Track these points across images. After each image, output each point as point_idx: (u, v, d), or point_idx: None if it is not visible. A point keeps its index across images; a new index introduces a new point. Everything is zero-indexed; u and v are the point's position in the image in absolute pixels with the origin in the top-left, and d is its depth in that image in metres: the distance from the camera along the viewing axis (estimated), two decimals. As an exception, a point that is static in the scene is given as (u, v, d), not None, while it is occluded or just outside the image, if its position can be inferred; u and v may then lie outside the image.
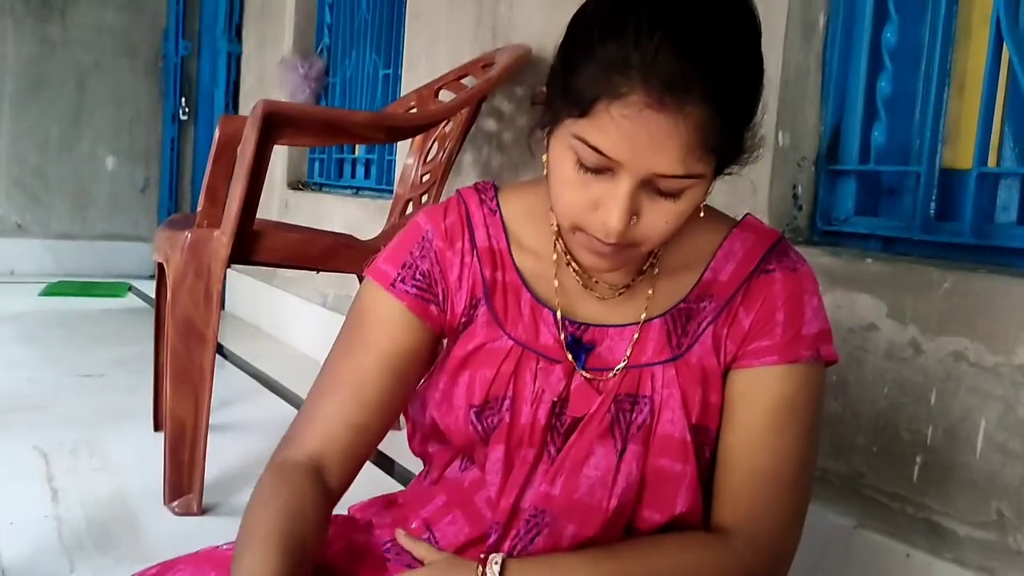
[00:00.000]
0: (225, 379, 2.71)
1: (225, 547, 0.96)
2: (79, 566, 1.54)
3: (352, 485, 0.99)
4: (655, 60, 0.75)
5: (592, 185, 0.81)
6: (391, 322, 0.95)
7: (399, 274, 0.96)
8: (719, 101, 0.77)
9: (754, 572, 0.91)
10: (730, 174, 0.84)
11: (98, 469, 2.02)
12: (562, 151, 0.82)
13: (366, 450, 0.96)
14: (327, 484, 0.93)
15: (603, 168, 0.79)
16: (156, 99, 5.32)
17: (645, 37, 0.75)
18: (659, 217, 0.81)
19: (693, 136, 0.76)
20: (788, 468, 0.92)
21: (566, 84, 0.80)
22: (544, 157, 0.87)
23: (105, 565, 1.55)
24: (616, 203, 0.79)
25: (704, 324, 0.92)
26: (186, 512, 1.79)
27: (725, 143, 0.80)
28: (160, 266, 2.08)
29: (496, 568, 0.86)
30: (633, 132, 0.76)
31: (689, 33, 0.76)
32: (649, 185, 0.80)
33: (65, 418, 2.38)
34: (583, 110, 0.78)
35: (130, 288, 4.75)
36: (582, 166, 0.80)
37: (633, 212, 0.80)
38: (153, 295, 2.34)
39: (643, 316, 0.93)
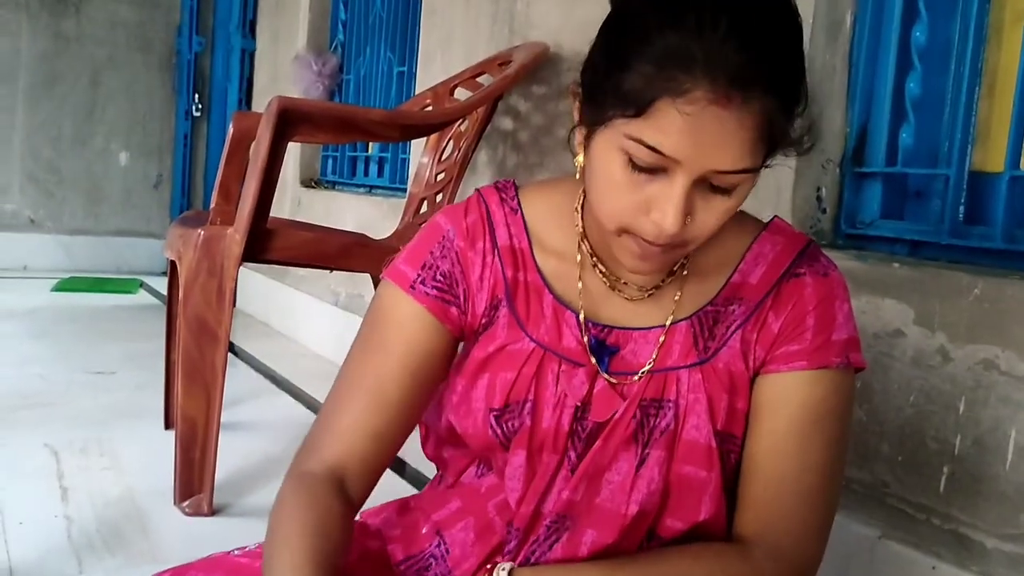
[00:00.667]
0: (236, 377, 2.70)
1: (236, 553, 0.95)
2: (88, 566, 1.52)
3: None
4: (720, 53, 0.72)
5: (644, 186, 0.78)
6: (411, 325, 0.93)
7: (419, 275, 0.93)
8: (780, 92, 0.75)
9: None
10: (768, 167, 0.82)
11: (108, 468, 2.01)
12: (610, 152, 0.78)
13: (387, 458, 0.94)
14: (348, 495, 0.90)
15: (657, 167, 0.76)
16: (169, 95, 5.31)
17: (708, 28, 0.72)
18: (711, 214, 0.79)
19: (756, 130, 0.74)
20: (814, 476, 0.90)
21: (616, 80, 0.76)
22: (579, 158, 0.85)
23: (115, 566, 1.53)
24: (672, 203, 0.77)
25: (732, 328, 0.90)
26: (196, 512, 1.77)
27: (782, 133, 0.77)
28: (172, 263, 2.06)
29: (504, 575, 0.85)
30: (696, 130, 0.73)
31: (751, 23, 0.73)
32: (703, 182, 0.77)
33: (76, 416, 2.37)
34: (639, 109, 0.74)
35: (142, 284, 4.75)
36: (634, 166, 0.77)
37: (688, 211, 0.78)
38: (165, 291, 2.32)
39: (669, 319, 0.91)
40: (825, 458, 0.90)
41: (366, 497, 0.93)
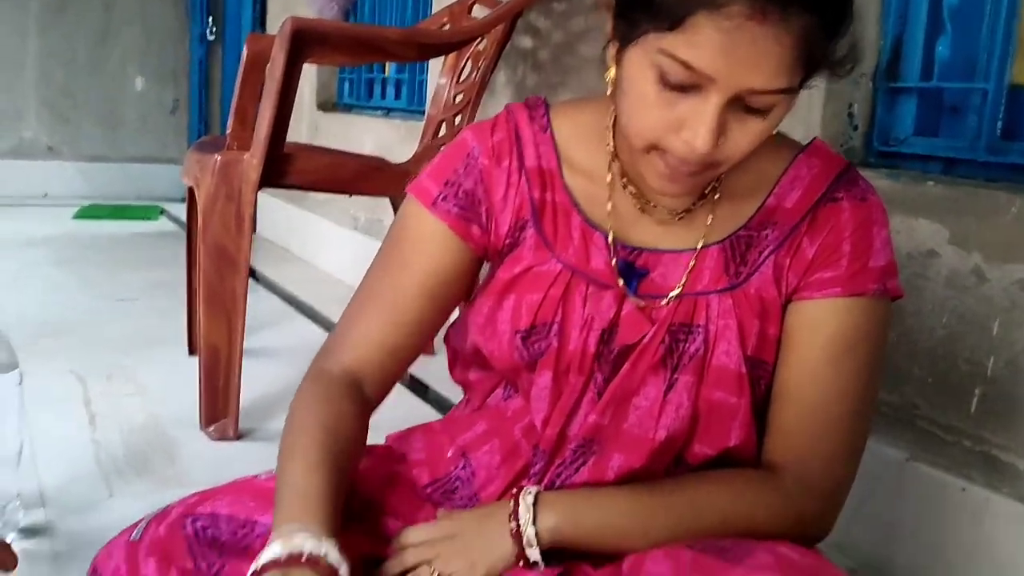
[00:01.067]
0: (258, 303, 2.70)
1: (264, 477, 0.96)
2: (117, 491, 1.54)
3: (388, 412, 0.99)
4: None
5: (676, 103, 0.76)
6: (431, 242, 0.93)
7: (441, 192, 0.93)
8: (822, 10, 0.71)
9: (804, 511, 0.89)
10: (808, 87, 0.79)
11: (135, 394, 2.03)
12: (642, 67, 0.76)
13: (401, 368, 0.97)
14: (364, 395, 0.93)
15: (690, 85, 0.74)
16: (183, 18, 5.23)
17: None
18: (744, 135, 0.77)
19: (794, 49, 0.71)
20: (845, 404, 0.89)
21: None
22: (609, 73, 0.82)
23: (143, 490, 1.55)
24: (703, 122, 0.75)
25: (765, 253, 0.88)
26: (222, 436, 1.79)
27: (822, 54, 0.75)
28: (191, 190, 2.04)
29: (530, 500, 0.85)
30: (731, 46, 0.71)
31: None
32: (738, 102, 0.75)
33: (101, 342, 2.39)
34: (673, 23, 0.72)
35: (162, 211, 4.75)
36: (666, 83, 0.75)
37: (720, 131, 0.75)
38: (185, 218, 2.32)
39: (700, 242, 0.89)
40: (857, 386, 0.89)
41: (382, 398, 0.97)
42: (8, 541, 0.92)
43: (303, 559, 0.75)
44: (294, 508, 0.80)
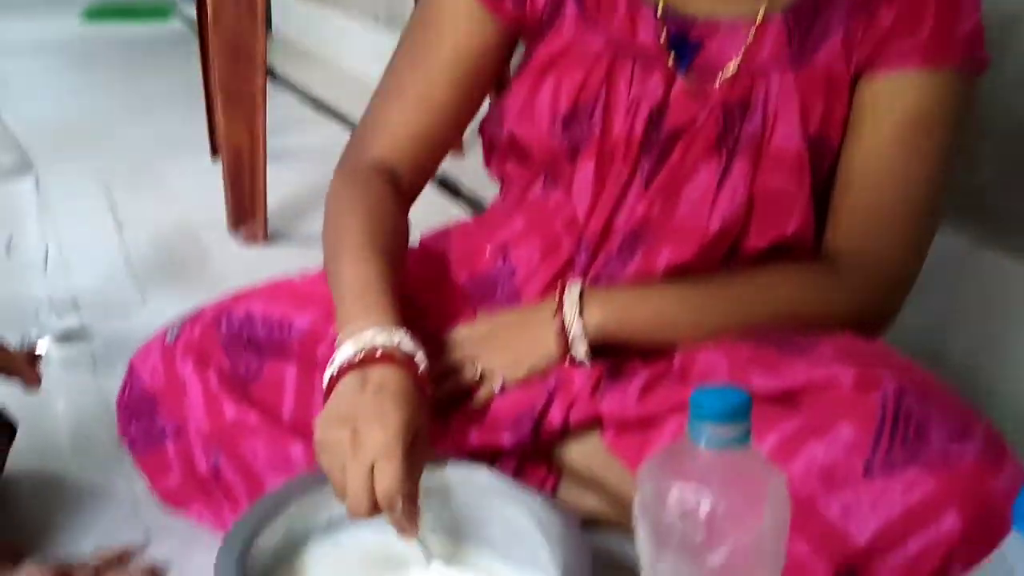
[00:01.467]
0: (278, 104, 2.62)
1: (297, 279, 0.94)
2: (150, 295, 1.54)
3: (419, 214, 0.94)
4: None
5: None
6: (459, 18, 0.86)
7: None
8: None
9: (866, 301, 0.85)
10: None
11: (161, 199, 1.99)
12: None
13: (434, 160, 0.94)
14: (400, 184, 0.90)
15: None
16: None
17: None
18: None
19: None
20: (915, 189, 0.84)
21: None
22: None
23: (175, 293, 1.53)
24: None
25: (835, 21, 0.81)
26: (251, 239, 1.77)
27: None
28: (198, -20, 1.93)
29: (575, 294, 0.81)
30: None
31: None
32: None
33: (122, 148, 2.33)
34: None
35: (175, 8, 4.58)
36: None
37: None
38: (195, 14, 2.20)
39: (761, 10, 0.81)
40: (930, 169, 0.83)
41: (417, 192, 0.93)
42: (39, 351, 0.90)
43: (377, 355, 0.73)
44: (355, 303, 0.78)
